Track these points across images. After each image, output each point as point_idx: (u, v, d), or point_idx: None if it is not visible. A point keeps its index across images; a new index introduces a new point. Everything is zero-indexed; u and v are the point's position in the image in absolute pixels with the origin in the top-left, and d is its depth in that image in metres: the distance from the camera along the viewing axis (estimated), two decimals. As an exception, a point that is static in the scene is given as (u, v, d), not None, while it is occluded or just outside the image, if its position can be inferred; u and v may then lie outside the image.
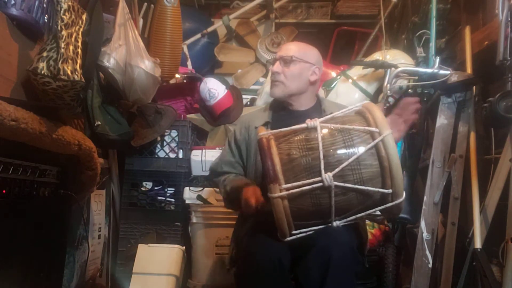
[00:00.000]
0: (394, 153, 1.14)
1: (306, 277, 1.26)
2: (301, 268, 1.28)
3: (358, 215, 1.24)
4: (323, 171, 1.14)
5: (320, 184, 1.15)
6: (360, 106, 1.29)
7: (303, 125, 1.23)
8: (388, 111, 1.53)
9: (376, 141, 1.16)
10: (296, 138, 1.23)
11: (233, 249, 1.64)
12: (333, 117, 1.28)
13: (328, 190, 1.16)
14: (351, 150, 1.17)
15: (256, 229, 1.43)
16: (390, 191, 1.17)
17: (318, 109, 1.66)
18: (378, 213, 1.27)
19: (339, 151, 1.17)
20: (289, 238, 1.23)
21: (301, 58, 1.61)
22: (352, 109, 1.31)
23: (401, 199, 1.18)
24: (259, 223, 1.45)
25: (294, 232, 1.22)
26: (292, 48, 1.64)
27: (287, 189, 1.15)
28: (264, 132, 1.25)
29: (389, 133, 1.16)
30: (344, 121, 1.25)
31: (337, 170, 1.15)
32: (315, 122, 1.22)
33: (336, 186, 1.15)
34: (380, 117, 1.20)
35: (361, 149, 1.16)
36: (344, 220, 1.24)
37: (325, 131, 1.21)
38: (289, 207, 1.17)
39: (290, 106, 1.66)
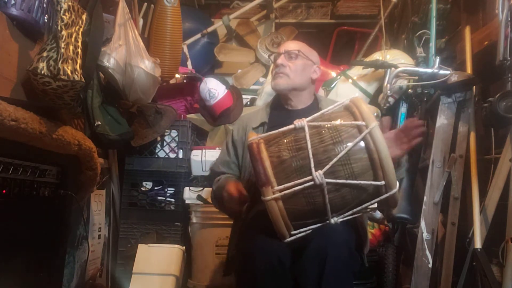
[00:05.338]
0: (383, 144, 1.14)
1: (303, 277, 1.26)
2: (298, 268, 1.28)
3: (355, 210, 1.24)
4: (313, 170, 1.15)
5: (312, 182, 1.15)
6: (348, 101, 1.29)
7: (291, 126, 1.24)
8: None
9: (363, 134, 1.16)
10: (285, 140, 1.23)
11: (230, 253, 1.65)
12: (322, 115, 1.28)
13: (320, 188, 1.16)
14: (339, 146, 1.17)
15: (254, 230, 1.43)
16: (382, 182, 1.16)
17: (315, 108, 1.67)
18: (375, 206, 1.26)
19: (328, 148, 1.17)
20: (289, 239, 1.22)
21: (306, 54, 1.67)
22: (341, 104, 1.32)
23: (395, 190, 1.18)
24: (256, 224, 1.45)
25: (293, 232, 1.22)
26: (298, 44, 1.71)
27: (280, 191, 1.16)
28: (254, 137, 1.25)
29: (376, 125, 1.16)
30: (331, 117, 1.25)
31: (327, 167, 1.15)
32: (302, 122, 1.22)
33: (328, 183, 1.15)
34: (366, 110, 1.19)
35: (349, 144, 1.16)
36: (342, 216, 1.24)
37: (312, 130, 1.21)
38: (284, 208, 1.17)
39: (289, 102, 1.68)
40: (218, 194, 1.58)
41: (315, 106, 1.69)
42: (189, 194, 2.36)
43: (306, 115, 1.27)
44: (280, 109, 1.70)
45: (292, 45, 1.69)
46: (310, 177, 1.15)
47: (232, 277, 1.57)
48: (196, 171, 2.44)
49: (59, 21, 1.41)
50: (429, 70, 2.07)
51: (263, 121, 1.68)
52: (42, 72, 1.36)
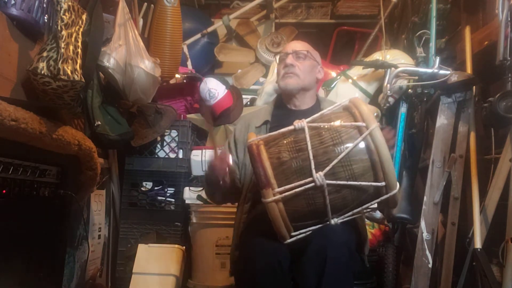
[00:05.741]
0: (383, 145, 1.14)
1: (303, 278, 1.26)
2: (298, 269, 1.28)
3: (355, 210, 1.24)
4: (313, 171, 1.14)
5: (312, 184, 1.15)
6: (347, 101, 1.29)
7: (291, 127, 1.23)
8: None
9: (363, 135, 1.16)
10: (285, 141, 1.23)
11: (232, 254, 1.65)
12: (322, 115, 1.28)
13: (321, 189, 1.16)
14: (340, 147, 1.17)
15: (254, 231, 1.42)
16: (383, 183, 1.16)
17: (317, 109, 1.67)
18: (375, 206, 1.26)
19: (328, 150, 1.17)
20: (289, 240, 1.22)
21: (313, 55, 1.69)
22: (341, 105, 1.32)
23: (395, 191, 1.18)
24: (257, 225, 1.45)
25: (293, 233, 1.22)
26: (305, 45, 1.72)
27: (281, 192, 1.15)
28: (253, 138, 1.25)
29: (376, 126, 1.16)
30: (331, 118, 1.25)
31: (327, 168, 1.15)
32: (302, 123, 1.22)
33: (328, 184, 1.15)
34: (366, 111, 1.19)
35: (349, 145, 1.16)
36: (342, 217, 1.24)
37: (313, 131, 1.21)
38: (284, 210, 1.16)
39: (293, 102, 1.69)
40: (207, 176, 1.58)
41: (317, 106, 1.70)
42: (189, 194, 2.36)
43: (309, 116, 1.27)
44: (283, 108, 1.71)
45: (300, 46, 1.70)
46: (310, 179, 1.15)
47: (233, 277, 1.57)
48: (196, 171, 2.44)
49: (59, 21, 1.41)
50: (429, 70, 2.07)
51: (266, 119, 1.68)
52: (42, 72, 1.36)
